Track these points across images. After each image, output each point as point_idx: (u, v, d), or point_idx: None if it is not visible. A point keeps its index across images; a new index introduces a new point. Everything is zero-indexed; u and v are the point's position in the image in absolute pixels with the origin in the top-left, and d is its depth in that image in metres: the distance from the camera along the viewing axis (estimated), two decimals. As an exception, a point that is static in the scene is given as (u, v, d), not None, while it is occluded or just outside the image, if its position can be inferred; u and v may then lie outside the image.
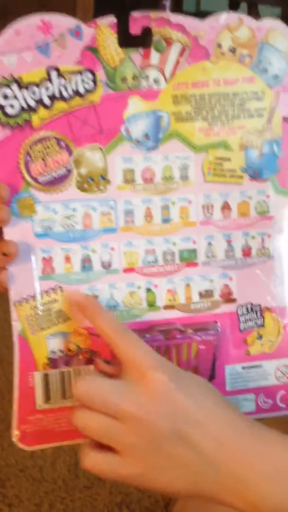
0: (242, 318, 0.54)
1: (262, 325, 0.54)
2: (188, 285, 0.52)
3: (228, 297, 0.53)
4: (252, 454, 0.43)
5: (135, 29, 0.49)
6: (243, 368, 0.54)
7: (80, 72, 0.48)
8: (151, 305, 0.52)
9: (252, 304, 0.54)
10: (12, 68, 0.47)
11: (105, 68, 0.49)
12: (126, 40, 0.49)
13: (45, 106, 0.48)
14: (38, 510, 0.96)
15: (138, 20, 0.49)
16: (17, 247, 0.48)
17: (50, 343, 0.50)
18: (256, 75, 0.52)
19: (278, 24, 0.52)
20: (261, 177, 0.53)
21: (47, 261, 0.50)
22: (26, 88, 0.48)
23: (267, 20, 0.52)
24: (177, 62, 0.50)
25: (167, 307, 0.52)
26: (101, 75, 0.49)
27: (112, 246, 0.51)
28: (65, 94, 0.48)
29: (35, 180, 0.49)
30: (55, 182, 0.49)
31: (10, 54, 0.47)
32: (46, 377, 0.50)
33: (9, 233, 0.49)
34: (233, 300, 0.53)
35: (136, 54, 0.49)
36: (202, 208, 0.52)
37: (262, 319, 0.54)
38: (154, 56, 0.50)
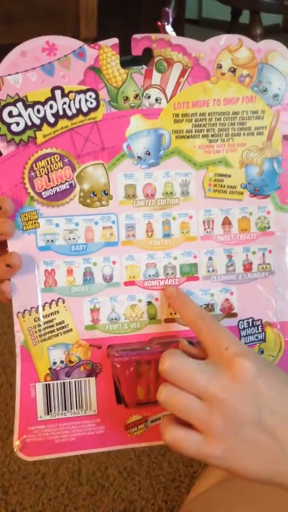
0: (243, 333, 0.54)
1: (264, 340, 0.54)
2: (188, 299, 0.53)
3: (229, 312, 0.54)
4: None
5: (136, 50, 0.51)
6: None
7: (83, 92, 0.50)
8: (152, 318, 0.53)
9: (253, 318, 0.54)
10: (17, 87, 0.49)
11: (108, 88, 0.50)
12: (128, 61, 0.50)
13: (49, 124, 0.50)
14: (41, 516, 0.96)
15: (139, 41, 0.50)
16: (20, 259, 0.49)
17: (51, 354, 0.51)
18: (256, 94, 0.53)
19: (278, 45, 0.53)
20: (262, 193, 0.54)
21: (50, 274, 0.51)
22: (31, 106, 0.49)
23: (267, 41, 0.53)
24: (178, 82, 0.52)
25: (168, 320, 0.53)
26: (103, 94, 0.50)
27: (114, 260, 0.52)
28: (68, 112, 0.50)
29: (39, 195, 0.50)
30: (58, 197, 0.51)
31: (16, 74, 0.49)
32: (47, 388, 0.51)
33: (13, 246, 0.50)
34: (234, 315, 0.54)
35: (138, 74, 0.51)
36: (203, 224, 0.53)
37: (263, 334, 0.54)
38: (156, 76, 0.51)
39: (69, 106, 0.50)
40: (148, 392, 0.52)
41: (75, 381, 0.51)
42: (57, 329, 0.51)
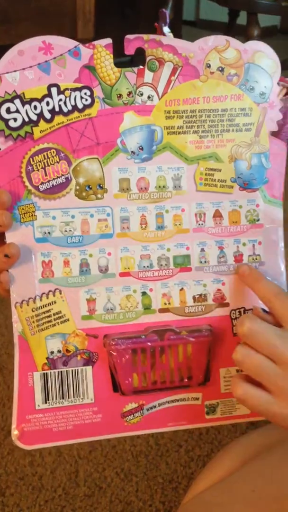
0: (235, 322, 0.55)
1: (255, 329, 0.56)
2: (182, 289, 0.55)
3: (221, 301, 0.55)
4: None
5: (129, 50, 0.53)
6: (237, 371, 0.55)
7: (78, 89, 0.52)
8: (147, 308, 0.54)
9: (244, 308, 0.56)
10: (15, 84, 0.51)
11: (102, 85, 0.52)
12: (126, 62, 0.53)
13: (46, 120, 0.52)
14: (38, 518, 0.95)
15: (132, 41, 0.53)
16: (18, 250, 0.51)
17: (49, 344, 0.52)
18: (243, 92, 0.55)
19: (263, 46, 0.56)
20: (251, 187, 0.56)
21: (47, 265, 0.52)
22: (28, 103, 0.51)
23: (253, 42, 0.55)
24: (169, 81, 0.54)
25: (162, 310, 0.54)
26: (98, 91, 0.52)
27: (109, 251, 0.53)
28: (64, 109, 0.52)
29: (36, 188, 0.52)
30: (55, 190, 0.52)
31: (14, 72, 0.51)
32: (45, 377, 0.52)
33: (11, 238, 0.51)
34: (226, 304, 0.55)
35: (131, 73, 0.53)
36: (195, 216, 0.55)
37: (254, 323, 0.56)
38: (148, 75, 0.53)
39: (65, 103, 0.52)
40: (144, 380, 0.53)
41: (72, 370, 0.53)
42: (54, 319, 0.52)
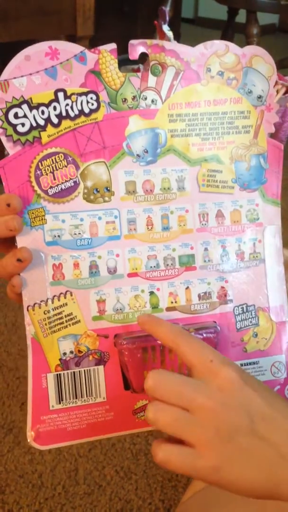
0: (238, 318, 0.58)
1: (257, 324, 0.58)
2: (187, 288, 0.56)
3: (224, 299, 0.57)
4: None
5: (133, 55, 0.54)
6: (241, 365, 0.57)
7: (85, 94, 0.53)
8: (155, 307, 0.55)
9: (247, 304, 0.58)
10: (22, 90, 0.51)
11: (108, 90, 0.53)
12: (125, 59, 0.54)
13: (53, 125, 0.52)
14: (38, 516, 0.96)
15: (136, 46, 0.54)
16: (31, 253, 0.51)
17: (61, 345, 0.53)
18: (242, 96, 0.57)
19: (260, 50, 0.58)
20: (250, 187, 0.58)
21: (57, 268, 0.53)
22: (36, 108, 0.52)
23: (251, 47, 0.57)
24: (172, 85, 0.55)
25: (169, 309, 0.56)
26: (104, 96, 0.53)
27: (117, 253, 0.55)
28: (71, 113, 0.53)
29: (45, 192, 0.53)
30: (64, 194, 0.53)
31: (21, 77, 0.51)
32: (58, 378, 0.53)
33: (22, 242, 0.52)
34: (230, 301, 0.57)
35: (135, 78, 0.54)
36: (198, 216, 0.57)
37: (257, 318, 0.58)
38: (151, 79, 0.55)
39: (72, 108, 0.53)
40: (154, 377, 0.55)
41: (84, 370, 0.54)
42: (66, 321, 0.53)
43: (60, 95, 0.52)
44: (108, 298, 0.54)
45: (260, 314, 0.58)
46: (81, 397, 0.54)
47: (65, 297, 0.53)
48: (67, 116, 0.53)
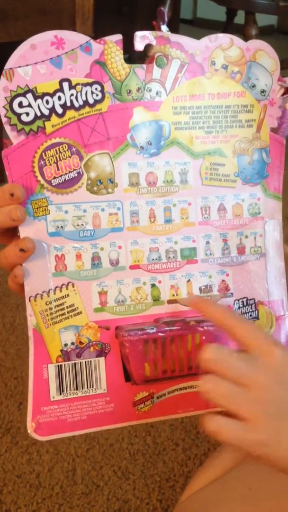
0: (238, 311, 0.58)
1: (257, 318, 0.58)
2: (189, 281, 0.56)
3: (225, 292, 0.57)
4: None
5: (138, 46, 0.54)
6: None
7: (89, 84, 0.52)
8: (156, 299, 0.55)
9: (247, 298, 0.58)
10: (27, 79, 0.51)
11: (112, 81, 0.53)
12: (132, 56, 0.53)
13: (58, 115, 0.52)
14: (36, 516, 0.96)
15: (141, 38, 0.53)
16: (34, 244, 0.51)
17: (62, 337, 0.53)
18: (245, 90, 0.57)
19: (264, 45, 0.58)
20: (252, 181, 0.58)
21: (60, 259, 0.53)
22: (41, 97, 0.51)
23: (255, 41, 0.57)
24: (177, 77, 0.55)
25: (170, 301, 0.56)
26: (108, 87, 0.53)
27: (119, 245, 0.54)
28: (76, 103, 0.52)
29: (49, 182, 0.52)
30: (67, 185, 0.53)
31: (26, 66, 0.51)
32: (59, 369, 0.53)
33: (25, 232, 0.52)
34: (230, 295, 0.58)
35: (140, 69, 0.54)
36: (201, 210, 0.57)
37: (256, 312, 0.58)
38: (156, 71, 0.54)
39: (76, 98, 0.52)
40: (155, 369, 0.55)
41: (85, 362, 0.54)
42: (68, 312, 0.53)
43: (65, 85, 0.52)
44: (110, 290, 0.54)
45: (260, 308, 0.58)
46: (82, 388, 0.54)
47: (67, 288, 0.53)
48: (72, 106, 0.52)
